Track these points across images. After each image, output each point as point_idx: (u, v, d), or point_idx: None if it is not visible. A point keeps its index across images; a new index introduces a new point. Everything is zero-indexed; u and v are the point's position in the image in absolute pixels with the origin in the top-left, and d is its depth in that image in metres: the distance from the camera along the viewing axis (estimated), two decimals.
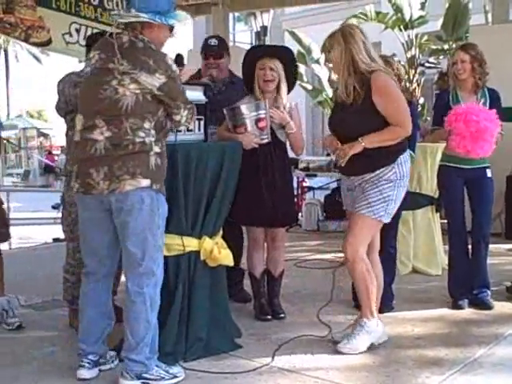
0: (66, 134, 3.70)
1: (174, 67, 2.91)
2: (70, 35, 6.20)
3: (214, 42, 4.39)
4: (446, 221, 4.35)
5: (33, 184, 22.54)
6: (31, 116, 39.82)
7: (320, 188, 9.10)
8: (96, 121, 2.85)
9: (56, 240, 7.70)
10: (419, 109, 9.75)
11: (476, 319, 3.97)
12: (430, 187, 5.18)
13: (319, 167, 8.17)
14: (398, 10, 10.79)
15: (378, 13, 11.12)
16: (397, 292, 4.25)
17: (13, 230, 8.26)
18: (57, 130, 26.52)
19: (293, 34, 12.30)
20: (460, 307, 4.15)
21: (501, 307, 4.17)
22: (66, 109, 3.65)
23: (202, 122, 3.57)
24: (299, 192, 8.60)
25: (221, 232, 3.49)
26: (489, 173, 4.17)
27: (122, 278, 3.32)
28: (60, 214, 3.90)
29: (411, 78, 10.77)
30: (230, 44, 9.48)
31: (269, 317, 3.96)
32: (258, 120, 3.70)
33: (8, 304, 3.94)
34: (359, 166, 3.33)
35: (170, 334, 3.23)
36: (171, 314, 3.25)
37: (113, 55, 2.83)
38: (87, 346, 3.07)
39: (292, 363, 3.27)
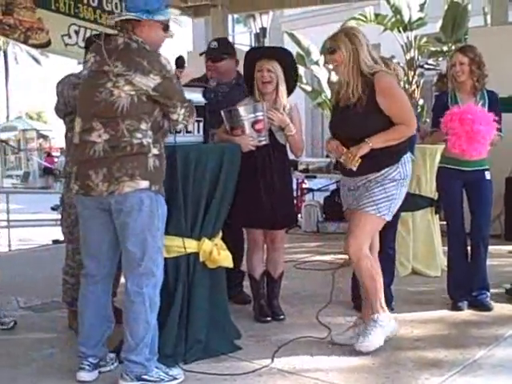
0: (66, 136, 3.71)
1: (169, 67, 2.90)
2: (69, 37, 6.21)
3: (214, 44, 4.39)
4: (445, 222, 4.36)
5: (32, 186, 22.56)
6: (30, 118, 39.83)
7: (319, 189, 9.10)
8: (93, 123, 2.86)
9: (55, 242, 7.72)
10: (418, 110, 9.76)
11: (475, 321, 3.97)
12: (430, 189, 5.19)
13: (318, 169, 8.17)
14: (396, 11, 10.81)
15: (377, 15, 11.13)
16: (396, 293, 4.25)
17: (12, 231, 8.29)
18: (56, 132, 26.52)
19: (292, 36, 12.31)
20: (459, 309, 4.15)
21: (500, 309, 4.17)
22: (65, 110, 3.65)
23: (202, 124, 3.56)
24: (299, 194, 8.60)
25: (220, 234, 3.49)
26: (488, 175, 4.17)
27: (122, 280, 3.32)
28: (59, 216, 3.90)
29: (410, 79, 10.78)
30: None
31: (268, 318, 3.96)
32: (255, 122, 3.69)
33: None
34: (364, 167, 3.32)
35: (169, 335, 3.23)
36: (171, 315, 3.25)
37: (107, 58, 2.84)
38: (87, 349, 3.07)
39: (291, 365, 3.26)
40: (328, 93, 11.43)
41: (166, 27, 2.98)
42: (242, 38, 18.34)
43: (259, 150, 3.75)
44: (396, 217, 3.74)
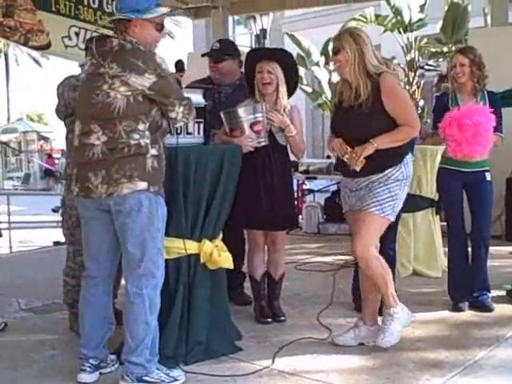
0: (66, 137, 3.71)
1: (164, 65, 2.89)
2: (70, 38, 6.21)
3: (215, 45, 4.42)
4: (445, 223, 4.35)
5: (33, 187, 22.57)
6: (31, 119, 39.85)
7: (320, 191, 9.10)
8: (91, 126, 2.87)
9: (56, 243, 7.70)
10: (419, 111, 9.76)
11: (476, 321, 3.97)
12: (430, 190, 5.19)
13: (319, 170, 8.17)
14: (397, 12, 10.82)
15: (377, 15, 11.15)
16: (397, 294, 4.23)
17: (13, 233, 8.29)
18: (57, 134, 26.51)
19: (292, 37, 12.33)
20: (460, 310, 4.14)
21: (501, 309, 4.17)
22: (65, 112, 3.66)
23: (202, 125, 3.56)
24: (299, 195, 8.60)
25: (221, 235, 3.49)
26: (488, 176, 4.17)
27: (123, 282, 3.32)
28: (60, 218, 3.91)
29: (411, 80, 10.79)
30: None
31: (269, 319, 3.96)
32: (253, 123, 3.69)
33: None
34: (367, 168, 3.33)
35: (170, 337, 3.23)
36: (171, 317, 3.25)
37: (103, 60, 2.85)
38: (88, 350, 3.08)
39: (292, 366, 3.26)
40: (329, 94, 11.43)
41: (159, 26, 2.96)
42: (242, 40, 18.34)
43: (259, 150, 3.75)
44: (397, 217, 3.73)
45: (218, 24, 9.36)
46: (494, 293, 4.32)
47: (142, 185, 2.85)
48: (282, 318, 3.99)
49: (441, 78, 7.35)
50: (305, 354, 3.42)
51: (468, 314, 4.10)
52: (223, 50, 4.35)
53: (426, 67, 11.21)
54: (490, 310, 4.13)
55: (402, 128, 3.35)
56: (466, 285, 4.22)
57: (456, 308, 4.17)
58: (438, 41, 10.85)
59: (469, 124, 3.90)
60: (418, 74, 11.10)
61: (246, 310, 4.18)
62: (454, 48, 9.55)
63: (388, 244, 4.02)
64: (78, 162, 2.97)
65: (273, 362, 3.31)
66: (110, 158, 2.83)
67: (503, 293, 4.47)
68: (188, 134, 3.46)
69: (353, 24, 9.46)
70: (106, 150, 2.84)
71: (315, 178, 8.33)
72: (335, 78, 11.31)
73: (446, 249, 4.39)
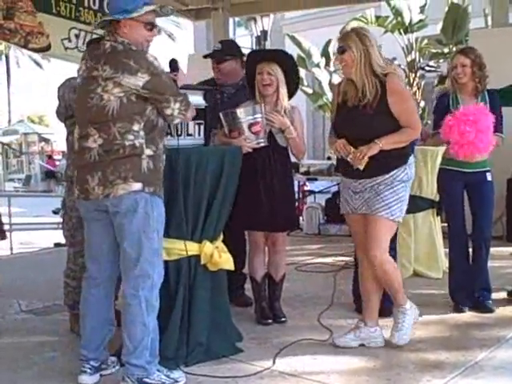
0: (67, 139, 3.71)
1: (157, 63, 2.88)
2: (69, 40, 6.20)
3: (217, 46, 4.46)
4: (446, 224, 4.35)
5: (34, 189, 22.55)
6: (32, 121, 39.82)
7: (321, 192, 9.10)
8: (88, 129, 2.89)
9: (57, 245, 7.71)
10: (419, 112, 9.77)
11: (477, 322, 3.97)
12: (431, 190, 5.18)
13: (320, 171, 8.16)
14: (397, 13, 10.83)
15: (377, 17, 11.16)
16: None
17: (14, 235, 8.29)
18: (58, 135, 26.48)
19: (293, 38, 12.33)
20: (461, 310, 4.14)
21: (502, 310, 4.17)
22: (65, 114, 3.66)
23: (202, 127, 3.56)
24: (300, 196, 8.60)
25: (221, 236, 3.49)
26: (489, 176, 4.17)
27: None
28: (61, 219, 3.91)
29: (411, 81, 10.80)
30: None
31: (270, 321, 3.96)
32: (252, 124, 3.69)
33: None
34: (372, 169, 3.33)
35: (170, 338, 3.22)
36: (172, 318, 3.24)
37: (96, 63, 2.86)
38: (89, 352, 3.07)
39: (293, 367, 3.26)
40: (329, 95, 11.43)
41: (148, 25, 2.96)
42: (243, 41, 18.34)
43: (260, 152, 3.75)
44: None
45: (219, 25, 9.37)
46: (494, 294, 4.31)
47: (137, 186, 2.85)
48: (283, 319, 3.99)
49: (441, 79, 7.36)
50: (305, 355, 3.42)
51: (469, 315, 4.10)
52: (225, 50, 4.37)
53: (427, 68, 11.22)
54: (490, 310, 4.12)
55: (405, 129, 3.37)
56: (467, 286, 4.22)
57: (457, 309, 4.17)
58: (439, 42, 10.86)
59: (469, 130, 3.90)
60: (418, 74, 11.12)
61: (246, 311, 4.18)
62: (454, 49, 9.55)
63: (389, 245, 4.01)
64: (77, 164, 3.00)
65: (273, 363, 3.31)
66: (105, 159, 2.84)
67: (504, 294, 4.47)
68: (188, 135, 3.46)
69: (354, 25, 9.47)
70: (101, 152, 2.85)
71: (316, 179, 8.33)
72: (336, 79, 11.33)
73: (447, 250, 4.39)
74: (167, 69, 3.12)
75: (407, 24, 10.86)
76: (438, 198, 5.09)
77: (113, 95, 2.82)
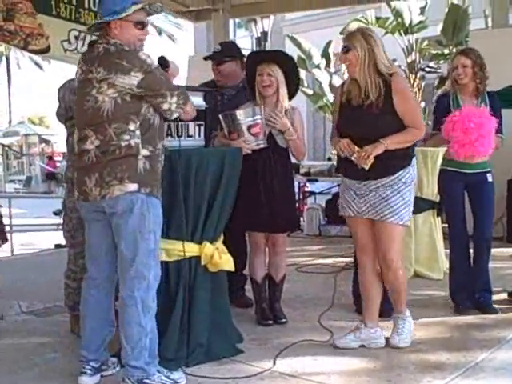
0: (67, 140, 3.72)
1: (150, 61, 2.88)
2: (69, 42, 6.20)
3: (217, 48, 4.47)
4: (447, 225, 4.35)
5: (35, 190, 22.57)
6: (33, 122, 39.84)
7: (321, 193, 9.11)
8: (86, 132, 2.90)
9: (58, 246, 7.72)
10: None
11: (478, 323, 3.97)
12: (431, 191, 5.18)
13: (320, 172, 8.17)
14: (397, 15, 10.84)
15: (378, 18, 11.16)
16: None
17: (15, 236, 8.30)
18: (58, 137, 26.52)
19: (293, 40, 12.33)
20: (462, 311, 4.14)
21: (503, 311, 4.16)
22: (65, 115, 3.67)
23: (202, 128, 3.57)
24: (301, 197, 8.60)
25: (222, 237, 3.49)
26: (489, 177, 4.17)
27: None
28: (61, 221, 3.91)
29: (412, 82, 10.80)
30: None
31: (270, 322, 3.96)
32: (251, 126, 3.68)
33: None
34: (377, 170, 3.32)
35: (171, 339, 3.22)
36: (172, 319, 3.24)
37: (91, 65, 2.87)
38: (89, 353, 3.07)
39: (293, 368, 3.26)
40: (330, 96, 11.44)
41: (139, 25, 2.95)
42: (243, 42, 18.34)
43: (260, 153, 3.75)
44: None
45: (219, 27, 9.38)
46: (495, 295, 4.31)
47: (133, 186, 2.85)
48: (283, 320, 3.99)
49: (442, 80, 7.36)
50: (306, 356, 3.42)
51: (469, 316, 4.09)
52: (224, 52, 4.37)
53: (427, 69, 11.22)
54: (491, 311, 4.12)
55: (410, 129, 3.37)
56: (468, 286, 4.22)
57: (457, 310, 4.17)
58: (439, 43, 10.86)
59: (473, 127, 3.90)
60: (418, 76, 11.12)
61: (247, 312, 4.18)
62: (454, 50, 9.55)
63: None
64: (76, 166, 3.02)
65: (274, 364, 3.30)
66: (102, 160, 2.85)
67: (505, 295, 4.46)
68: (189, 136, 3.46)
69: (354, 26, 9.48)
70: (98, 153, 2.86)
71: (316, 180, 8.33)
72: (336, 80, 11.34)
73: (448, 250, 4.39)
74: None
75: (407, 25, 10.86)
76: (438, 199, 5.09)
77: (107, 96, 2.83)
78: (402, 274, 3.51)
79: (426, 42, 11.41)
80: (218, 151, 3.59)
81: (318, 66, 11.97)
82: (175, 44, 29.95)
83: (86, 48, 3.72)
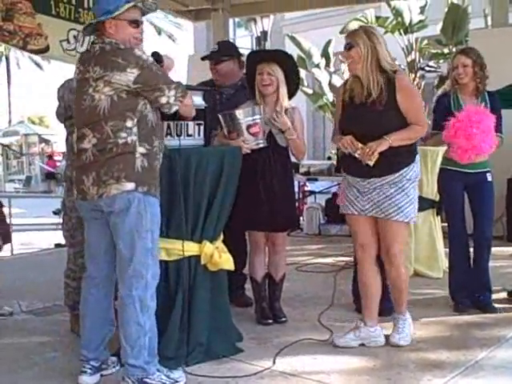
0: (66, 140, 3.72)
1: (145, 56, 2.89)
2: (68, 42, 6.19)
3: (214, 47, 4.47)
4: (446, 224, 4.35)
5: (34, 190, 22.57)
6: (33, 122, 39.81)
7: (321, 192, 9.11)
8: (84, 131, 2.90)
9: (58, 245, 7.72)
10: None
11: (478, 322, 3.97)
12: (431, 191, 5.18)
13: (320, 171, 8.18)
14: (397, 14, 10.83)
15: (377, 17, 11.16)
16: None
17: (15, 235, 8.29)
18: (58, 136, 26.52)
19: (293, 39, 12.32)
20: (461, 310, 4.14)
21: (502, 310, 4.17)
22: (65, 115, 3.67)
23: (202, 127, 3.57)
24: (300, 196, 8.60)
25: (221, 236, 3.49)
26: (489, 177, 4.17)
27: None
28: (61, 220, 3.91)
29: (411, 81, 10.79)
30: None
31: (270, 321, 3.96)
32: (250, 125, 3.68)
33: None
34: (382, 168, 3.32)
35: (171, 338, 3.23)
36: (172, 318, 3.24)
37: (87, 65, 2.87)
38: (89, 352, 3.08)
39: (293, 367, 3.26)
40: (329, 96, 11.44)
41: (133, 23, 2.95)
42: (243, 42, 18.36)
43: (259, 152, 3.75)
44: None
45: (219, 26, 9.38)
46: (495, 294, 4.31)
47: (130, 185, 2.85)
48: (283, 319, 4.00)
49: (442, 79, 7.36)
50: (306, 354, 3.42)
51: (469, 315, 4.09)
52: (222, 51, 4.38)
53: (427, 68, 11.22)
54: (491, 310, 4.12)
55: (413, 127, 3.38)
56: (468, 285, 4.22)
57: (457, 309, 4.17)
58: (439, 42, 10.86)
59: (475, 132, 3.90)
60: (418, 75, 11.11)
61: (246, 311, 4.18)
62: (454, 49, 9.55)
63: None
64: (75, 166, 3.03)
65: (274, 363, 3.31)
66: (100, 159, 2.85)
67: (504, 294, 4.47)
68: (188, 135, 3.46)
69: (354, 25, 9.48)
70: (96, 151, 2.86)
71: (316, 180, 8.34)
72: (336, 79, 11.34)
73: (447, 249, 4.39)
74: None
75: (407, 24, 10.86)
76: (438, 198, 5.09)
77: (103, 94, 2.84)
78: (404, 272, 3.52)
79: (425, 42, 11.42)
80: (218, 150, 3.59)
81: (317, 66, 11.96)
82: (175, 44, 29.94)
83: (85, 48, 3.74)
